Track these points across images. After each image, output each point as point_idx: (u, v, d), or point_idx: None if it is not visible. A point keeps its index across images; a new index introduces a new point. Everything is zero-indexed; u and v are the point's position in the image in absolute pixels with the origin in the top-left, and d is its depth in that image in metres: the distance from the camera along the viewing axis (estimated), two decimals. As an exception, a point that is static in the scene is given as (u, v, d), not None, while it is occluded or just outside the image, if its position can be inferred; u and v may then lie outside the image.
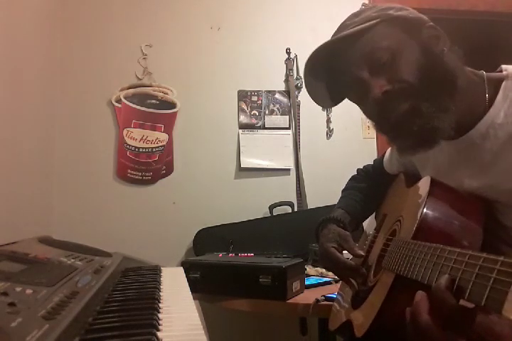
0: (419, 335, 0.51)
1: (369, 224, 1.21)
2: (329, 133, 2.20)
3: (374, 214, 1.20)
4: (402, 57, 0.79)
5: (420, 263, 0.59)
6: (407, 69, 0.78)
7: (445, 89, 0.78)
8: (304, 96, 2.09)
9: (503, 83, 0.80)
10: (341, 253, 1.02)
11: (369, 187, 1.20)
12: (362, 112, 0.89)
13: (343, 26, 0.88)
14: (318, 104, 0.95)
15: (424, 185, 0.85)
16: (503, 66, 0.84)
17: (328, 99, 0.94)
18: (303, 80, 0.93)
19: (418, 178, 0.93)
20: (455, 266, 0.49)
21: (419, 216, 0.75)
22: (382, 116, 0.81)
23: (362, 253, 0.99)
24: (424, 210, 0.75)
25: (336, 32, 0.89)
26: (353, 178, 1.27)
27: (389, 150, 1.17)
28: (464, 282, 0.45)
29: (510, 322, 0.41)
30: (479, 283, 0.43)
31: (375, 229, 1.10)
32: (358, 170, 1.29)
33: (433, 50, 0.80)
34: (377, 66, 0.80)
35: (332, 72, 0.88)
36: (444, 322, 0.48)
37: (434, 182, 0.83)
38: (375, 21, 0.82)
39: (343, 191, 1.24)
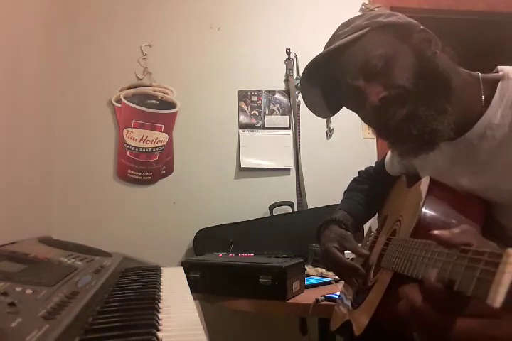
0: (414, 315, 0.52)
1: (373, 224, 1.21)
2: (329, 133, 2.20)
3: (377, 215, 1.20)
4: (396, 62, 0.80)
5: (416, 259, 0.60)
6: (402, 74, 0.79)
7: (440, 91, 0.78)
8: (303, 96, 2.09)
9: (500, 83, 0.80)
10: (343, 253, 1.02)
11: (371, 189, 1.20)
12: (360, 119, 0.89)
13: (335, 37, 0.89)
14: (316, 115, 0.97)
15: (423, 184, 0.85)
16: (499, 67, 0.84)
17: (326, 109, 0.95)
18: (300, 93, 0.94)
19: (419, 179, 0.93)
20: (447, 259, 0.50)
21: (417, 215, 0.75)
22: (381, 122, 0.82)
23: (366, 252, 1.00)
24: (423, 209, 0.75)
25: (328, 43, 0.90)
26: (354, 180, 1.27)
27: (389, 151, 1.17)
28: (455, 274, 0.46)
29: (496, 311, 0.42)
30: (468, 274, 0.44)
31: (376, 230, 1.11)
32: (359, 171, 1.29)
33: (425, 54, 0.81)
34: (372, 73, 0.81)
35: (328, 82, 0.90)
36: (438, 309, 0.49)
37: (433, 182, 0.83)
38: (365, 30, 0.83)
39: (345, 193, 1.24)
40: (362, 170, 1.29)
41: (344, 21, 0.90)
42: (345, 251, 1.03)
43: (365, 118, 0.88)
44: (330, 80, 0.89)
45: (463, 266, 0.45)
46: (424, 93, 0.78)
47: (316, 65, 0.88)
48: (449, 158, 0.88)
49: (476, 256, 0.44)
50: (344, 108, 0.95)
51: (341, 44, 0.84)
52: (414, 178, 1.01)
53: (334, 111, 0.96)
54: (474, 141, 0.82)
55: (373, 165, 1.28)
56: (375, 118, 0.83)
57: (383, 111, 0.80)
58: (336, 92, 0.89)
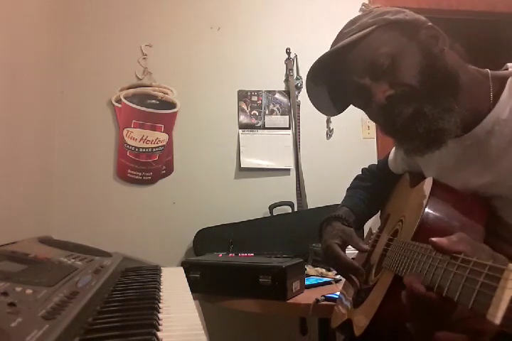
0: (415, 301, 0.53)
1: (374, 223, 1.21)
2: (329, 133, 2.20)
3: (379, 214, 1.20)
4: (403, 60, 0.80)
5: (417, 264, 0.60)
6: (408, 72, 0.79)
7: (447, 88, 0.78)
8: (303, 96, 2.08)
9: (509, 80, 0.80)
10: (344, 250, 1.02)
11: (374, 187, 1.20)
12: (367, 116, 0.89)
13: (341, 35, 0.88)
14: (323, 113, 0.96)
15: (426, 185, 0.85)
16: (509, 64, 0.84)
17: (332, 107, 0.95)
18: (306, 91, 0.94)
19: (423, 178, 0.93)
20: (448, 268, 0.49)
21: (420, 216, 0.75)
22: (387, 120, 0.82)
23: (367, 247, 1.00)
24: (425, 211, 0.75)
25: (334, 41, 0.90)
26: (358, 177, 1.27)
27: (393, 149, 1.17)
28: (455, 284, 0.46)
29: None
30: (468, 286, 0.44)
31: (378, 229, 1.10)
32: (363, 169, 1.29)
33: (432, 51, 0.80)
34: (379, 72, 0.80)
35: (334, 81, 0.89)
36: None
37: (436, 183, 0.83)
38: (371, 28, 0.83)
39: (348, 190, 1.24)
40: (365, 168, 1.28)
41: (351, 19, 0.89)
42: (347, 250, 1.03)
43: (372, 117, 0.88)
44: (336, 79, 0.88)
45: (463, 277, 0.45)
46: (431, 91, 0.78)
47: (322, 64, 0.88)
48: (454, 154, 0.87)
49: (477, 268, 0.44)
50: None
51: (347, 42, 0.83)
52: (417, 177, 1.01)
53: (340, 109, 0.96)
54: (482, 137, 0.81)
55: (375, 163, 1.27)
56: (382, 117, 0.83)
57: (390, 110, 0.80)
58: (343, 91, 0.89)
